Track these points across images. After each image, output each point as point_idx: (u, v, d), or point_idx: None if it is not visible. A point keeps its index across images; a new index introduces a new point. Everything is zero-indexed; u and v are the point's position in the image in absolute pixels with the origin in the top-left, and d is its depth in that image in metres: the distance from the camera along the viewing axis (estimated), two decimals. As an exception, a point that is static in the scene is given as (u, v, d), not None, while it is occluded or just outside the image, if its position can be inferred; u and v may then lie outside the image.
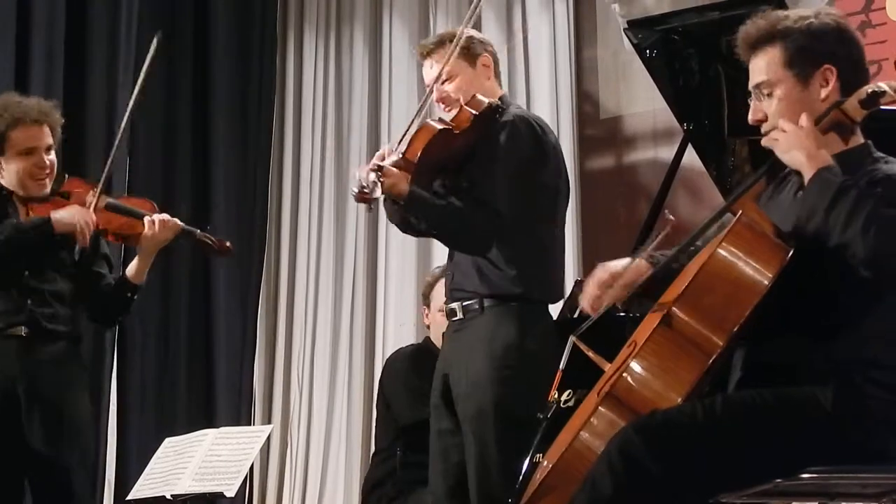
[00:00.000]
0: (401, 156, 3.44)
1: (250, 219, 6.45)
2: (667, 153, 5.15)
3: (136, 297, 3.94)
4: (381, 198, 3.44)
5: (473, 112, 3.50)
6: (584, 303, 2.81)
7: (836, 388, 2.47)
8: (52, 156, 3.96)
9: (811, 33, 2.61)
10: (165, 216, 3.86)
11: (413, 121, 3.56)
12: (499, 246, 3.48)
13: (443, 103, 3.60)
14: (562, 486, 2.49)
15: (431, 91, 3.59)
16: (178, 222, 3.89)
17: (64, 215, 3.77)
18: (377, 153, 3.53)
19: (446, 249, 5.69)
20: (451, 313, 3.59)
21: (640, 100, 5.70)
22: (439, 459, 3.58)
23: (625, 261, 2.82)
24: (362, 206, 6.00)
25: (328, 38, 6.58)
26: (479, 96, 3.54)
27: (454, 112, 3.53)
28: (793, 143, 2.53)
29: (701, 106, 4.58)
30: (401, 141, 3.51)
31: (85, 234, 3.75)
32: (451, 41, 3.59)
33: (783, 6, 3.96)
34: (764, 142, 2.62)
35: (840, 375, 2.48)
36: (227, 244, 4.01)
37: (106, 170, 4.02)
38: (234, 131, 6.48)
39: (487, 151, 3.51)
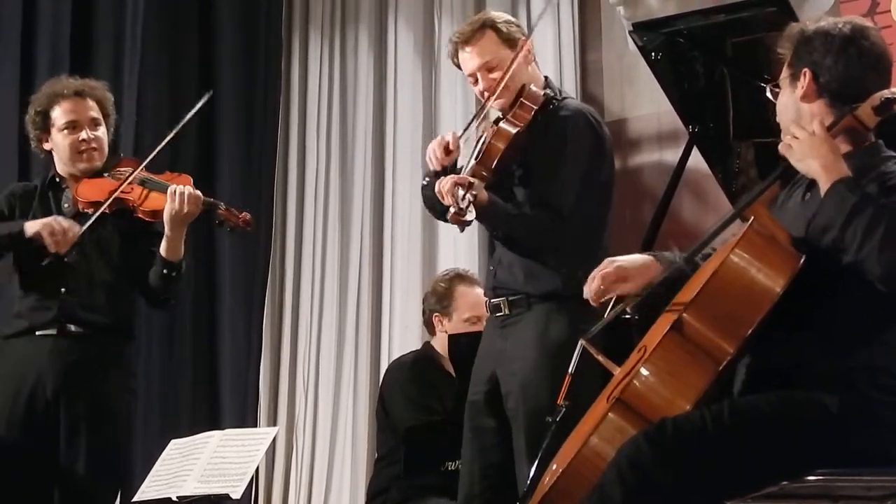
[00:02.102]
0: (476, 161, 3.40)
1: (255, 221, 6.41)
2: (672, 156, 5.14)
3: (175, 274, 3.83)
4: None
5: (534, 107, 3.47)
6: (588, 293, 2.82)
7: (841, 393, 2.48)
8: (101, 131, 3.92)
9: (805, 38, 2.68)
10: (189, 188, 3.78)
11: (474, 120, 3.53)
12: (557, 246, 3.47)
13: (489, 92, 3.52)
14: (571, 492, 2.50)
15: (498, 85, 3.50)
16: (201, 195, 3.81)
17: (35, 224, 3.72)
18: (437, 146, 3.48)
19: (451, 252, 5.79)
20: (495, 309, 3.56)
21: (644, 102, 5.69)
22: (476, 459, 3.54)
23: (632, 256, 2.83)
24: (366, 205, 6.20)
25: (333, 40, 6.57)
26: (533, 87, 3.52)
27: (504, 102, 3.49)
28: (807, 151, 2.55)
29: (706, 108, 4.58)
30: (463, 133, 3.48)
31: (58, 242, 3.67)
32: (491, 27, 3.55)
33: (787, 8, 3.96)
34: (780, 148, 2.64)
35: (846, 380, 2.50)
36: (249, 217, 3.96)
37: (154, 153, 3.97)
38: (238, 133, 6.46)
39: (548, 147, 3.49)
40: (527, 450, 3.36)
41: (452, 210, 3.27)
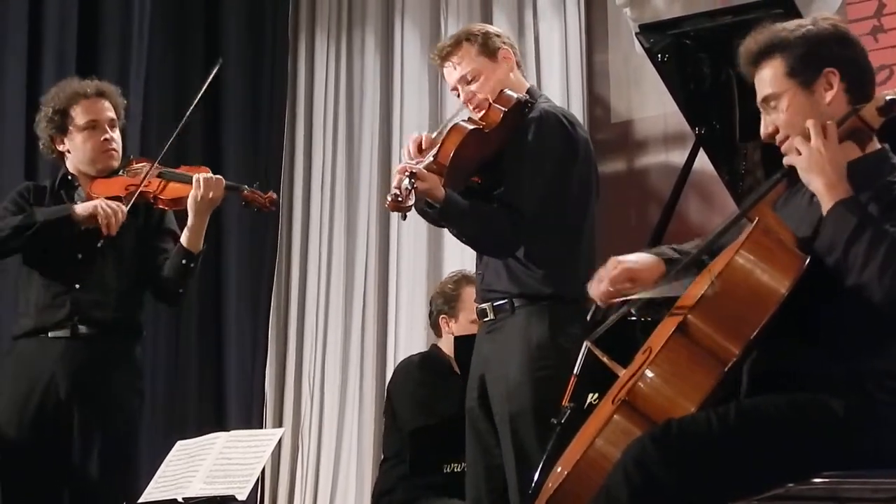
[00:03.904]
0: (433, 158, 3.42)
1: (262, 222, 6.45)
2: (678, 157, 5.14)
3: (193, 265, 3.85)
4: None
5: (503, 109, 3.48)
6: (594, 293, 2.81)
7: (848, 395, 2.48)
8: (117, 132, 3.95)
9: (809, 40, 2.63)
10: (210, 174, 3.82)
11: (447, 123, 3.54)
12: (527, 246, 3.46)
13: (471, 104, 3.56)
14: (577, 494, 2.49)
15: (475, 95, 3.55)
16: (223, 179, 3.84)
17: (85, 206, 3.75)
18: (411, 142, 3.50)
19: (457, 252, 5.79)
20: (481, 314, 3.57)
21: (651, 104, 5.70)
22: (480, 460, 3.55)
23: (637, 255, 2.82)
24: (371, 207, 6.21)
25: (339, 41, 6.58)
26: (508, 91, 3.53)
27: (483, 111, 3.50)
28: (813, 166, 2.52)
29: (712, 110, 4.56)
30: (435, 139, 3.49)
31: (110, 223, 3.70)
32: (467, 40, 3.58)
33: (794, 10, 3.94)
34: (785, 160, 2.61)
35: (853, 384, 2.49)
36: (274, 196, 3.98)
37: (166, 147, 4.00)
38: (245, 135, 6.48)
39: (516, 149, 3.49)
40: (514, 452, 3.37)
41: (389, 197, 3.30)
